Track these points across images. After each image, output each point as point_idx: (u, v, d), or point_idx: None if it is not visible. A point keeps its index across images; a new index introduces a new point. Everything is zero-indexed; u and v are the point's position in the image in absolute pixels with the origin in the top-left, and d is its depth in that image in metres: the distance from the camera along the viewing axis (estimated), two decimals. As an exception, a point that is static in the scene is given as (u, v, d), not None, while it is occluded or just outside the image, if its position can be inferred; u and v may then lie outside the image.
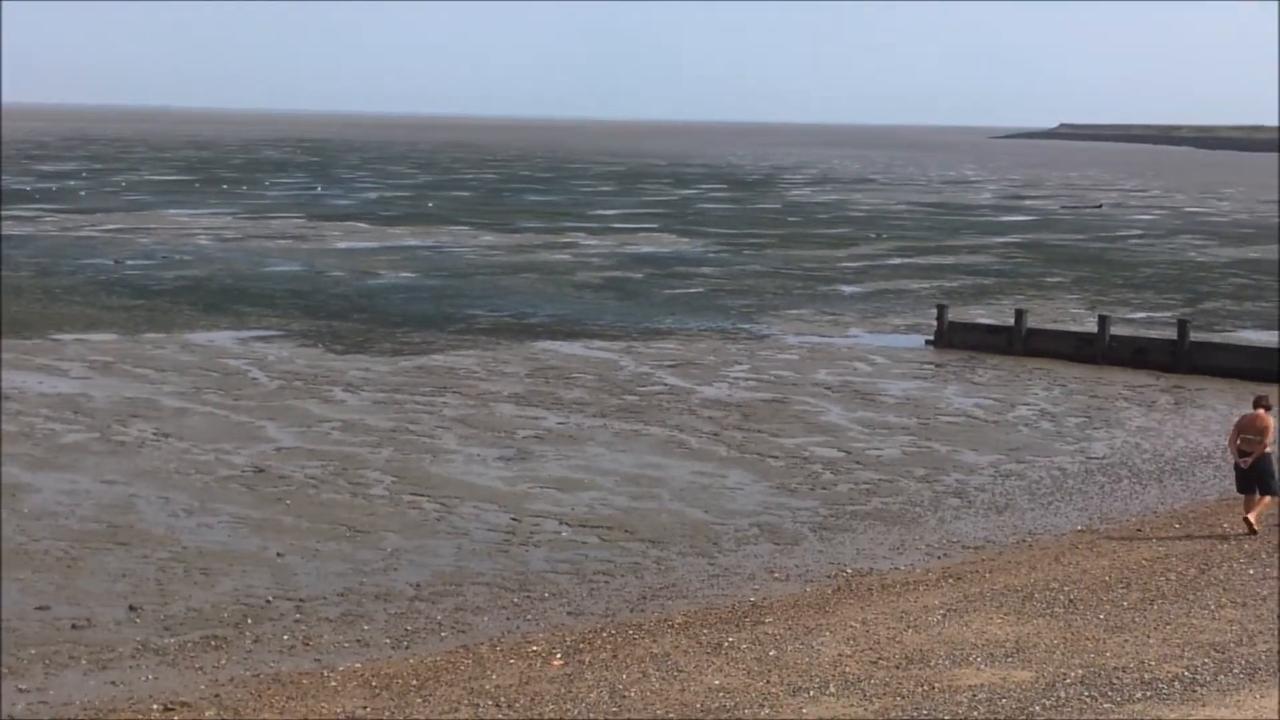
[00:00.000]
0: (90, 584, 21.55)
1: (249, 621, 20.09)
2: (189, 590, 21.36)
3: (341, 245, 76.74)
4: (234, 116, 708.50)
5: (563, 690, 16.82)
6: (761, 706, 15.92)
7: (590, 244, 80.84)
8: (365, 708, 16.55)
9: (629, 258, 73.55)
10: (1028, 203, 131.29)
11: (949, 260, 75.38)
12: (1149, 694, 15.89)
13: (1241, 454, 24.80)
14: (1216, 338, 47.88)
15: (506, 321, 50.35)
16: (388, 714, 16.36)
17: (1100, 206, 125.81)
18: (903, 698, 15.99)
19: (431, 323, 49.53)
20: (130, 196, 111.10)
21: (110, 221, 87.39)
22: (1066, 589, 20.86)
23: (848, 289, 62.31)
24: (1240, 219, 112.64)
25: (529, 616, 20.65)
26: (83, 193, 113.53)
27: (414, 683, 17.43)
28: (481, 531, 24.89)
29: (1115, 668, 16.93)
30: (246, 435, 31.59)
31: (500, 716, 16.05)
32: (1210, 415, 36.41)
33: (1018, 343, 45.02)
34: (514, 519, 25.66)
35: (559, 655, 18.45)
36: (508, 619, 20.51)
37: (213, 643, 19.20)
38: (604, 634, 19.51)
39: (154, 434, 31.49)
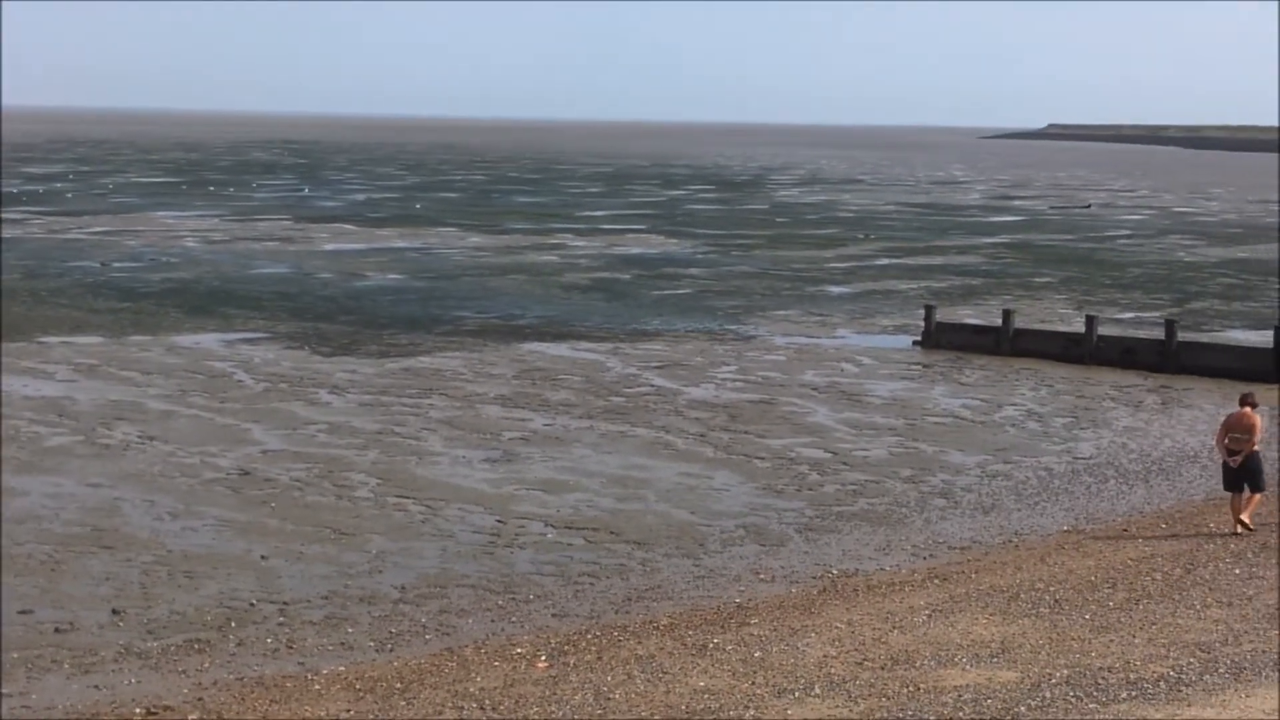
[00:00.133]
0: (74, 587, 21.47)
1: (232, 625, 20.02)
2: (172, 593, 21.29)
3: (328, 247, 76.65)
4: (233, 119, 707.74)
5: (547, 692, 16.77)
6: (746, 708, 15.87)
7: (578, 245, 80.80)
8: (349, 711, 16.49)
9: (617, 259, 73.52)
10: (1016, 203, 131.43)
11: (937, 261, 75.42)
12: (1134, 694, 15.86)
13: (1230, 452, 24.79)
14: (1204, 338, 47.92)
15: (493, 323, 50.29)
16: (372, 717, 16.30)
17: (1089, 207, 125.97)
18: (888, 699, 15.95)
19: (418, 324, 49.46)
20: (117, 199, 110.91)
21: (97, 224, 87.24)
22: (1052, 589, 20.84)
23: (835, 290, 62.31)
24: (1229, 219, 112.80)
25: (514, 619, 20.59)
26: (70, 195, 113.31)
27: (398, 685, 17.37)
28: (466, 534, 24.84)
29: (1101, 668, 16.90)
30: (232, 438, 31.51)
31: (485, 719, 16.00)
32: (1197, 415, 36.42)
33: (1005, 343, 45.02)
34: (499, 521, 25.60)
35: (544, 657, 18.40)
36: (492, 621, 20.46)
37: (196, 646, 19.13)
38: (589, 636, 19.46)
39: (139, 437, 31.40)
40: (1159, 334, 44.48)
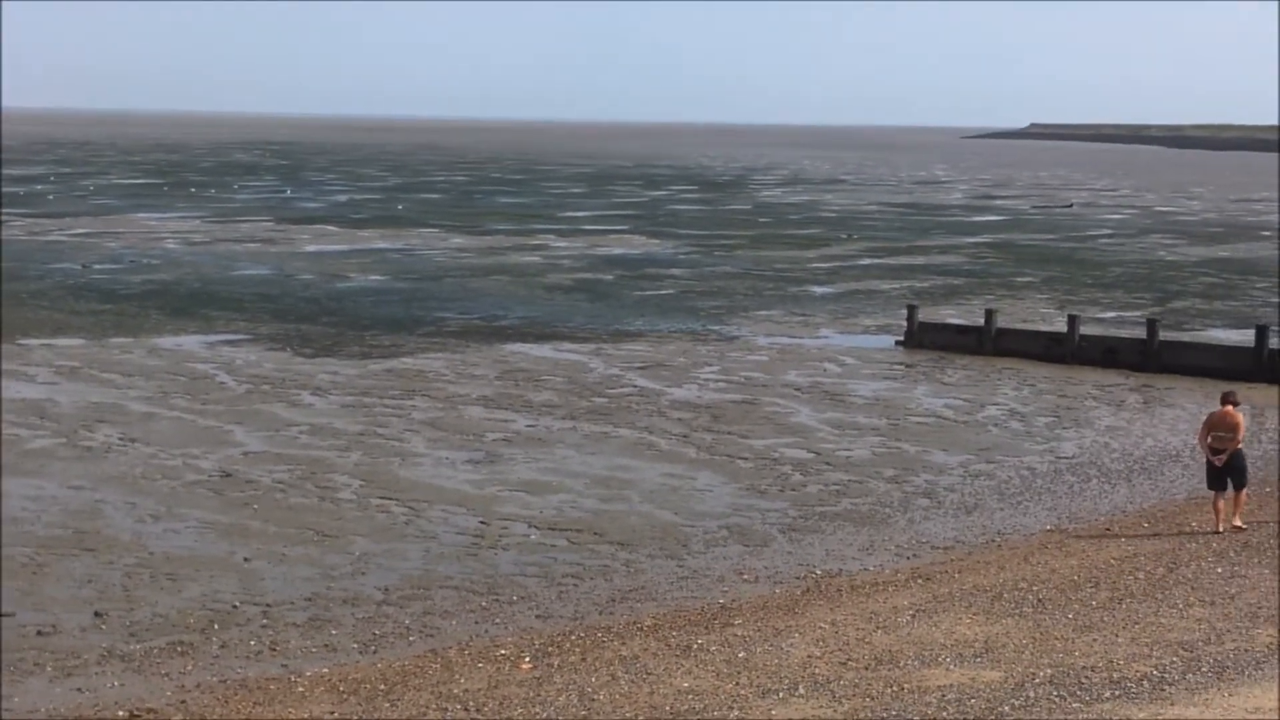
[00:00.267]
0: (56, 590, 21.40)
1: (215, 627, 19.96)
2: (155, 596, 21.22)
3: (310, 248, 76.52)
4: (234, 119, 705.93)
5: (531, 694, 16.76)
6: (731, 708, 15.88)
7: (560, 246, 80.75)
8: (333, 713, 16.46)
9: (599, 259, 73.49)
10: (998, 203, 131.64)
11: (919, 260, 75.50)
12: (1117, 693, 15.90)
13: (1214, 451, 24.85)
14: (1186, 337, 48.05)
15: (476, 324, 50.24)
16: (355, 719, 16.27)
17: (1071, 206, 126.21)
18: (872, 699, 15.97)
19: (401, 326, 49.40)
20: (98, 200, 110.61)
21: (78, 226, 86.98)
22: (1035, 589, 20.88)
23: (818, 290, 62.35)
24: (1210, 218, 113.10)
25: (497, 620, 20.57)
26: (51, 197, 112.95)
27: (382, 687, 17.34)
28: (450, 535, 24.80)
29: (1084, 667, 16.93)
30: (214, 440, 31.43)
31: (468, 721, 15.98)
32: (1179, 414, 36.50)
33: (988, 343, 45.09)
34: (482, 522, 25.57)
35: (528, 659, 18.39)
36: (476, 622, 20.43)
37: (179, 648, 19.07)
38: (573, 637, 19.45)
39: (120, 439, 31.31)
40: (1141, 333, 44.55)
